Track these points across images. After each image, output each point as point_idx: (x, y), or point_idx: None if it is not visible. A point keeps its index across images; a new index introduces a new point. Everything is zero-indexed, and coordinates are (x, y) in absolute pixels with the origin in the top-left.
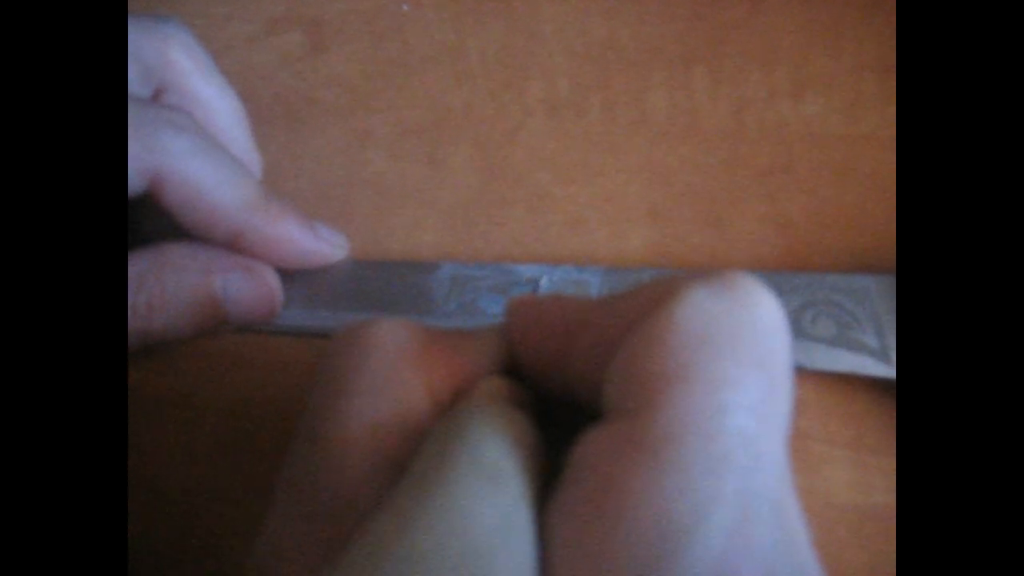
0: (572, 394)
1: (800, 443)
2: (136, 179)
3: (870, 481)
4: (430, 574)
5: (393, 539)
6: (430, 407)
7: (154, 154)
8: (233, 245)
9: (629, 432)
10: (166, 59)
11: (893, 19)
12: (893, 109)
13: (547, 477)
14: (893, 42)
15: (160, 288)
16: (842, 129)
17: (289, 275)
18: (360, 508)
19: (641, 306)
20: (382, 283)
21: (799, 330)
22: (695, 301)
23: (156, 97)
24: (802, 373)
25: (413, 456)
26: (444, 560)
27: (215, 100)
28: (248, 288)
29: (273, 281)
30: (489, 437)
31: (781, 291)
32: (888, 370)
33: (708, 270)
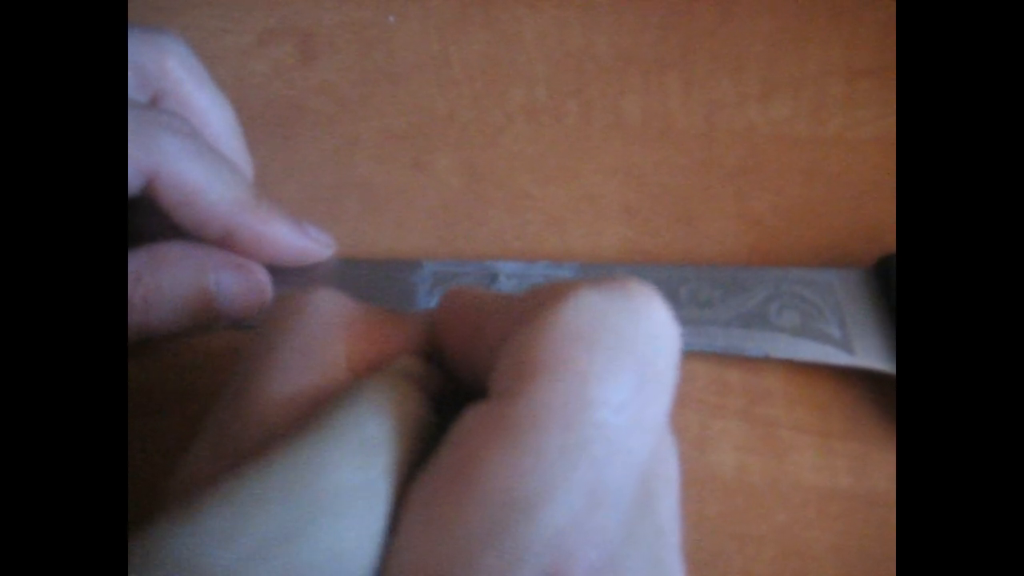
0: (479, 383)
1: (768, 430)
2: (134, 179)
3: (835, 464)
4: (267, 515)
5: (249, 478)
6: (347, 376)
7: (151, 155)
8: (225, 243)
9: (498, 412)
10: (163, 68)
11: (857, 26)
12: (858, 112)
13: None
14: (858, 47)
15: (156, 284)
16: (808, 131)
17: (279, 272)
18: None
19: (537, 302)
20: (368, 280)
21: (766, 321)
22: (583, 300)
23: (153, 104)
24: (769, 362)
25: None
26: (286, 505)
27: (209, 107)
28: (239, 285)
29: (264, 278)
30: (375, 409)
31: (748, 284)
32: (850, 359)
33: (608, 277)
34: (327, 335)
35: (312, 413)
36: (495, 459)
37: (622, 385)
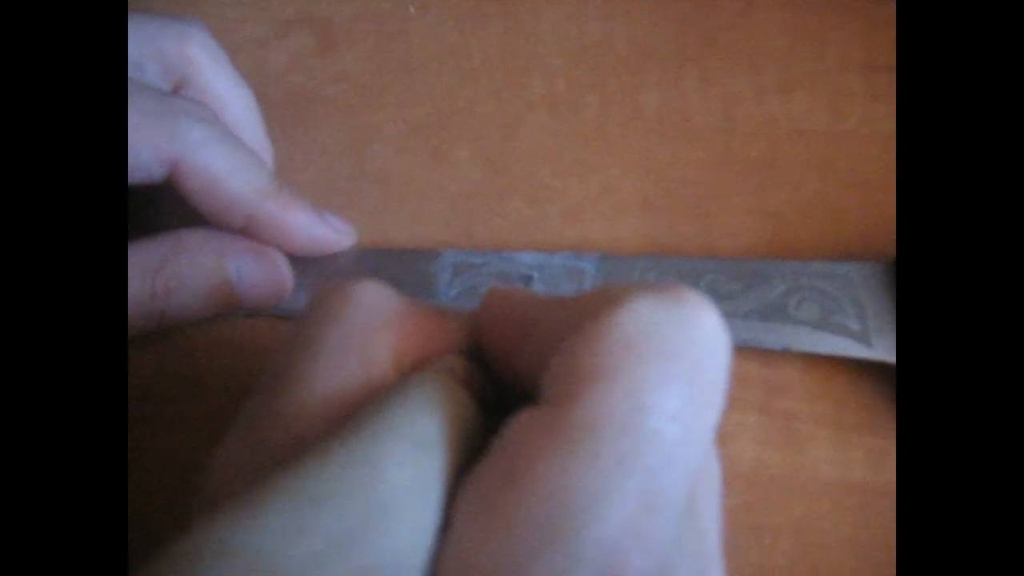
0: (522, 386)
1: (785, 422)
2: (157, 167)
3: (851, 458)
4: (331, 513)
5: (311, 475)
6: (393, 373)
7: (174, 143)
8: (246, 231)
9: (550, 418)
10: (185, 56)
11: (876, 20)
12: (876, 106)
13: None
14: (876, 42)
15: (177, 271)
16: (827, 125)
17: (299, 261)
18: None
19: (589, 308)
20: (387, 270)
21: (784, 314)
22: (638, 308)
23: (175, 91)
24: (787, 355)
25: (359, 411)
26: (348, 504)
27: (231, 94)
28: (260, 272)
29: (283, 266)
30: (426, 408)
31: (768, 277)
32: (868, 352)
33: (660, 284)
34: (373, 329)
35: (358, 409)
36: (550, 464)
37: (676, 393)
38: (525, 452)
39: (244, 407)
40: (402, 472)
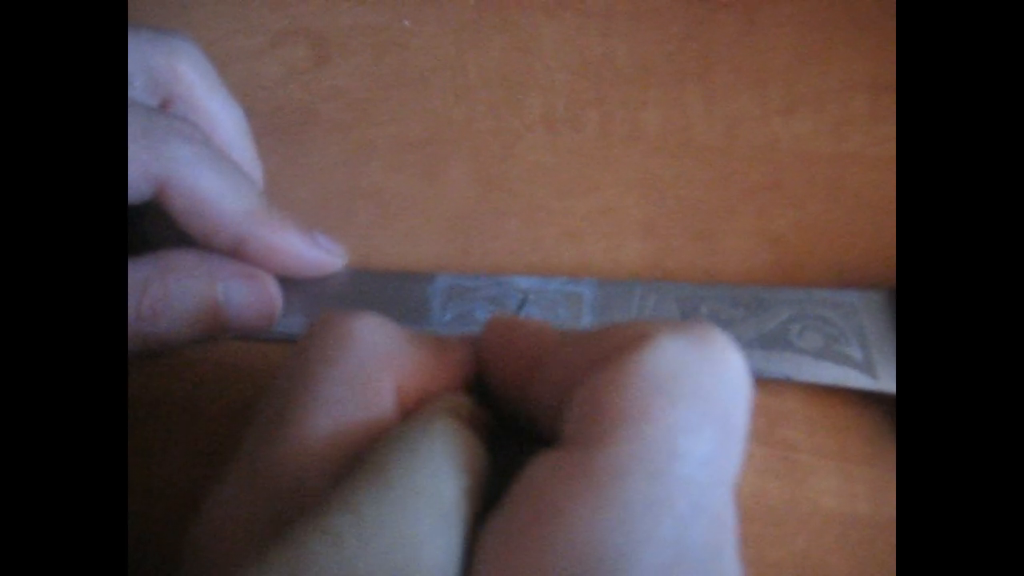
0: (531, 420)
1: (787, 454)
2: (143, 186)
3: (855, 490)
4: None
5: (350, 542)
6: (397, 411)
7: (162, 162)
8: (235, 253)
9: (578, 462)
10: (174, 71)
11: (882, 39)
12: (882, 128)
13: (490, 500)
14: (882, 62)
15: (163, 293)
16: (831, 147)
17: (289, 283)
18: (310, 496)
19: (612, 344)
20: (380, 292)
21: (787, 343)
22: (666, 347)
23: (163, 108)
24: (789, 385)
25: (369, 456)
26: None
27: (220, 112)
28: (248, 295)
29: (273, 289)
30: (446, 467)
31: (770, 304)
32: (872, 383)
33: (683, 321)
34: (376, 366)
35: (364, 454)
36: (577, 511)
37: (708, 438)
38: (551, 498)
39: (241, 449)
40: (435, 546)
